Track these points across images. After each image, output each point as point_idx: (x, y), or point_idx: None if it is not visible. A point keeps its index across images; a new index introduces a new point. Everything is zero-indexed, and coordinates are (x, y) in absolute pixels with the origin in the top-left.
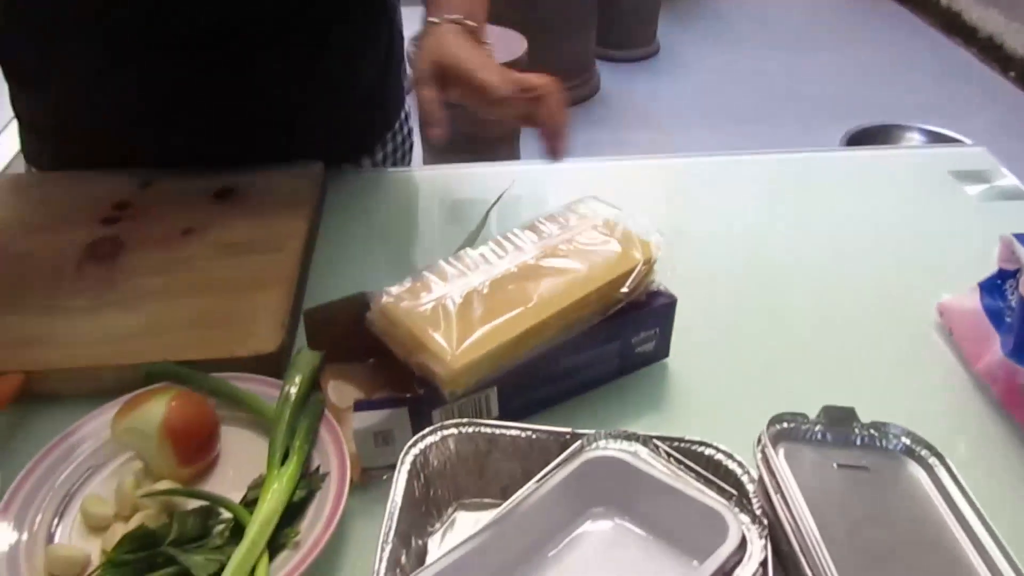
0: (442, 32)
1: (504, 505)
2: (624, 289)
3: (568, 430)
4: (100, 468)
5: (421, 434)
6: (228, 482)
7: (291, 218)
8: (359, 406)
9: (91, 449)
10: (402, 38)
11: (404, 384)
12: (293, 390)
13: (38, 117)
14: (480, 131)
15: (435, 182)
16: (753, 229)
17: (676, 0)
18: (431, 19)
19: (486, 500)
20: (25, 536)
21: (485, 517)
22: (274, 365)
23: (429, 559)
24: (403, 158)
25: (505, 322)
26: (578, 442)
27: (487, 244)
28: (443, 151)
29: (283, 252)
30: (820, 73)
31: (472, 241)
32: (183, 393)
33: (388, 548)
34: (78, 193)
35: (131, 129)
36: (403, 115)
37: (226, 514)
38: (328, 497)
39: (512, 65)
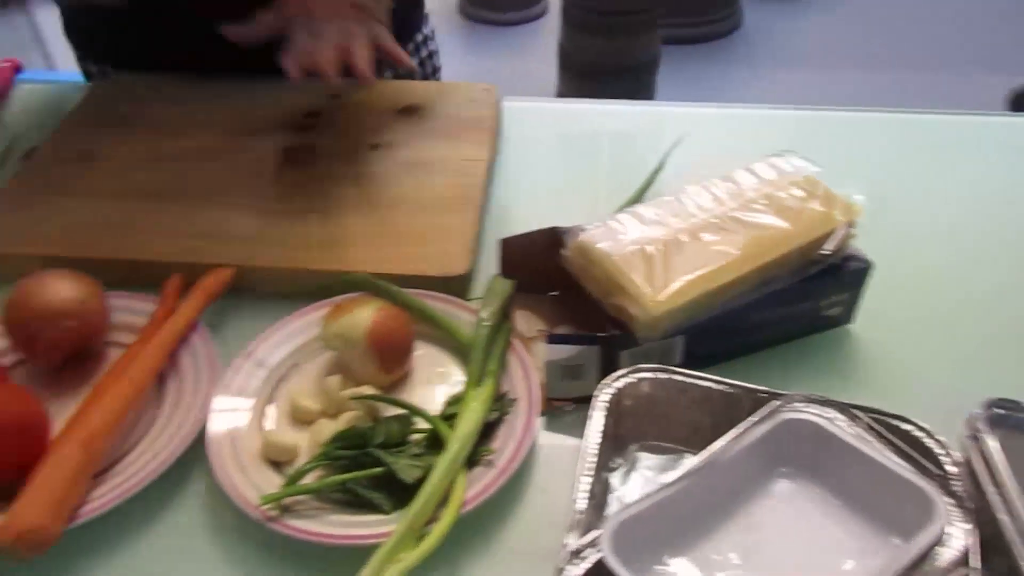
0: None
1: (701, 455)
2: (825, 250)
3: (765, 388)
4: (301, 365)
5: (619, 374)
6: (416, 395)
7: (475, 142)
8: (552, 339)
9: (293, 347)
10: None
11: (587, 321)
12: (489, 315)
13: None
14: (618, 60)
15: (596, 117)
16: (945, 193)
17: None
18: None
19: (666, 444)
20: (241, 417)
21: (666, 461)
22: (459, 286)
23: (613, 495)
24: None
25: (707, 273)
26: (775, 402)
27: (684, 190)
28: (581, 78)
29: (469, 175)
30: (986, 18)
31: (649, 184)
32: (387, 305)
33: (588, 480)
34: (271, 99)
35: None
36: (420, 37)
37: (420, 425)
38: (517, 421)
39: None
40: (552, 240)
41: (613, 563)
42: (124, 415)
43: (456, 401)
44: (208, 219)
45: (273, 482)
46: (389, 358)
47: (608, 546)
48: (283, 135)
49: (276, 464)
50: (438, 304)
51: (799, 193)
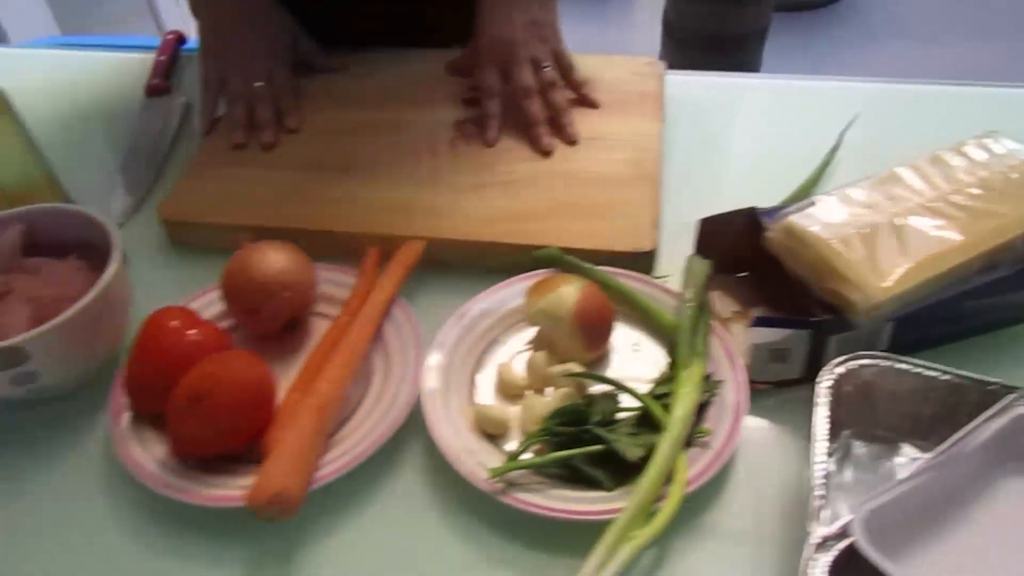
0: None
1: (941, 448)
2: None
3: (996, 380)
4: (500, 339)
5: (840, 360)
6: (614, 372)
7: (645, 115)
8: (759, 322)
9: (491, 321)
10: None
11: (787, 303)
12: (692, 295)
13: None
14: (726, 29)
15: (749, 92)
16: None
17: None
18: None
19: (878, 432)
20: (452, 387)
21: (879, 450)
22: (645, 264)
23: (832, 482)
24: None
25: (931, 258)
26: (1009, 396)
27: (893, 172)
28: (684, 47)
29: (644, 149)
30: None
31: (827, 164)
32: (589, 282)
33: (823, 468)
34: (436, 70)
35: None
36: None
37: (626, 402)
38: (726, 402)
39: None
40: (750, 221)
41: (871, 553)
42: (347, 384)
43: (665, 381)
44: (393, 192)
45: (490, 454)
46: (594, 336)
47: (863, 535)
48: (452, 109)
49: (487, 435)
50: (633, 283)
51: (1016, 176)
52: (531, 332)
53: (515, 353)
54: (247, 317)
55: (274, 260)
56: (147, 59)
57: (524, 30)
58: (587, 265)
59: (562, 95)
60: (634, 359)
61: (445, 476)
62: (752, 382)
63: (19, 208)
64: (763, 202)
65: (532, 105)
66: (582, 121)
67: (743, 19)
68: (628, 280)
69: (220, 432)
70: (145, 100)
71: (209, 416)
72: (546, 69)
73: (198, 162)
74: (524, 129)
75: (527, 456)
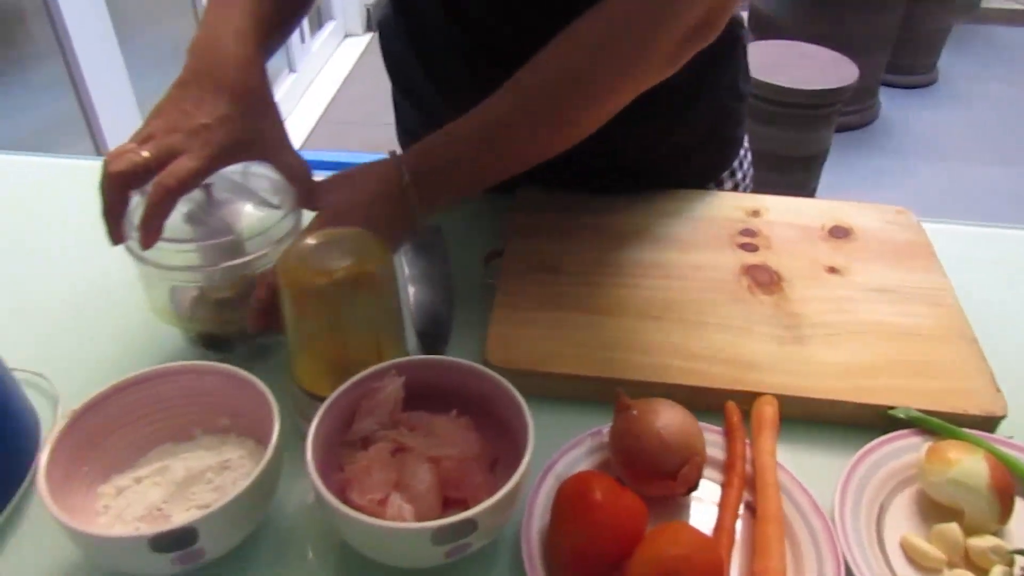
0: None
1: None
2: None
3: None
4: (884, 505)
5: None
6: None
7: (923, 268)
8: None
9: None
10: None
11: None
12: None
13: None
14: (794, 151)
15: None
16: None
17: (956, 27)
18: None
19: None
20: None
21: None
22: (990, 425)
23: None
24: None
25: None
26: None
27: None
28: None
29: (942, 304)
30: None
31: None
32: (978, 448)
33: None
34: (689, 210)
35: None
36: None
37: None
38: None
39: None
40: None
41: None
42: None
43: None
44: (706, 340)
45: None
46: (1008, 505)
47: None
48: (731, 252)
49: None
50: (1008, 449)
51: None
52: (905, 496)
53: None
54: (652, 482)
55: (676, 419)
56: None
57: None
58: (964, 430)
59: None
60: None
61: None
62: None
63: (396, 360)
64: None
65: None
66: (864, 272)
67: (811, 143)
68: (999, 444)
69: None
70: None
71: None
72: None
73: (501, 304)
74: None
75: None
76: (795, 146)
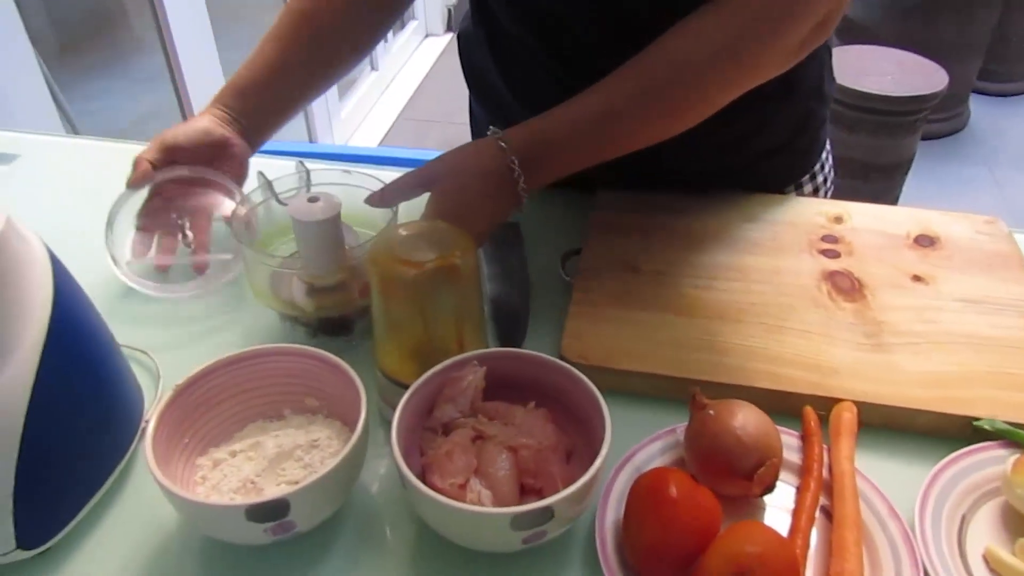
0: None
1: None
2: None
3: None
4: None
5: None
6: None
7: (1014, 279)
8: None
9: (956, 497)
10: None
11: None
12: None
13: None
14: (877, 158)
15: None
16: None
17: None
18: None
19: None
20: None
21: None
22: None
23: None
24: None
25: None
26: None
27: None
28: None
29: None
30: None
31: None
32: None
33: None
34: (785, 217)
35: None
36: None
37: None
38: None
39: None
40: None
41: None
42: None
43: None
44: (786, 345)
45: None
46: None
47: None
48: (811, 258)
49: None
50: None
51: None
52: (989, 508)
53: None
54: (727, 481)
55: (753, 421)
56: None
57: None
58: None
59: None
60: None
61: None
62: None
63: (477, 351)
64: None
65: None
66: (951, 281)
67: (895, 150)
68: None
69: None
70: None
71: None
72: None
73: (579, 300)
74: None
75: None
76: (879, 153)
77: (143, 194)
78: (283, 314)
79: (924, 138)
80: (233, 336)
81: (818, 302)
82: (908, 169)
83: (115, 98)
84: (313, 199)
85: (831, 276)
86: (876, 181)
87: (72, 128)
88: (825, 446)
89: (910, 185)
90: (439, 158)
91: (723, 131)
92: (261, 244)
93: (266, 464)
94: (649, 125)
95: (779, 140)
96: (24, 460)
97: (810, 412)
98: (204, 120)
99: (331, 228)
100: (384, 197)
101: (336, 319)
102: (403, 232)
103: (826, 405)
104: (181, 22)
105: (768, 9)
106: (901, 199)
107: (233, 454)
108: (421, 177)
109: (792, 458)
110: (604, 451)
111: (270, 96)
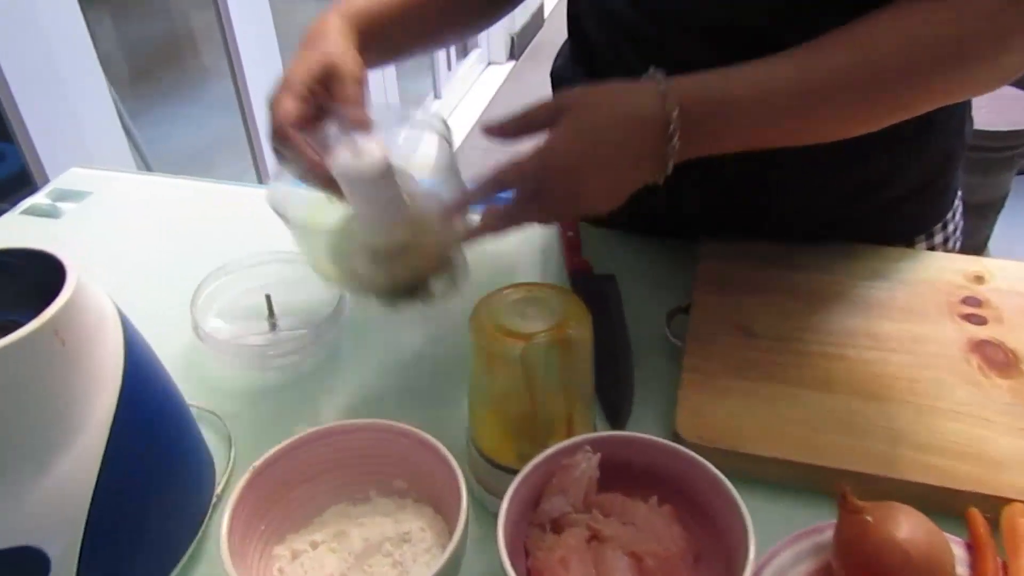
0: None
1: None
2: None
3: None
4: None
5: None
6: None
7: None
8: None
9: None
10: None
11: None
12: None
13: None
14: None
15: None
16: None
17: None
18: None
19: None
20: None
21: None
22: None
23: None
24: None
25: None
26: None
27: None
28: None
29: None
30: None
31: None
32: None
33: None
34: (917, 275)
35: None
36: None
37: None
38: None
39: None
40: None
41: None
42: None
43: None
44: (938, 429)
45: None
46: None
47: None
48: (953, 324)
49: None
50: None
51: None
52: None
53: None
54: None
55: (919, 531)
56: None
57: None
58: None
59: None
60: None
61: None
62: None
63: (589, 435)
64: None
65: None
66: None
67: (990, 188)
68: None
69: None
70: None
71: None
72: None
73: (691, 368)
74: None
75: None
76: (972, 192)
77: (227, 280)
78: (352, 287)
79: (1019, 174)
80: (307, 395)
81: (969, 378)
82: (1001, 208)
83: (183, 125)
84: (355, 151)
85: (980, 347)
86: (968, 220)
87: (143, 160)
88: (1001, 561)
89: (1002, 225)
90: (578, 88)
91: (848, 178)
92: (311, 214)
93: (352, 561)
94: (837, 119)
95: (911, 186)
96: (88, 546)
97: (977, 516)
98: (350, 46)
99: (384, 180)
100: (506, 129)
101: (410, 283)
102: (510, 295)
103: (993, 505)
104: (250, 49)
105: (1003, 9)
106: (992, 240)
107: (314, 545)
108: (551, 108)
109: (961, 572)
110: (749, 567)
111: (379, 32)
